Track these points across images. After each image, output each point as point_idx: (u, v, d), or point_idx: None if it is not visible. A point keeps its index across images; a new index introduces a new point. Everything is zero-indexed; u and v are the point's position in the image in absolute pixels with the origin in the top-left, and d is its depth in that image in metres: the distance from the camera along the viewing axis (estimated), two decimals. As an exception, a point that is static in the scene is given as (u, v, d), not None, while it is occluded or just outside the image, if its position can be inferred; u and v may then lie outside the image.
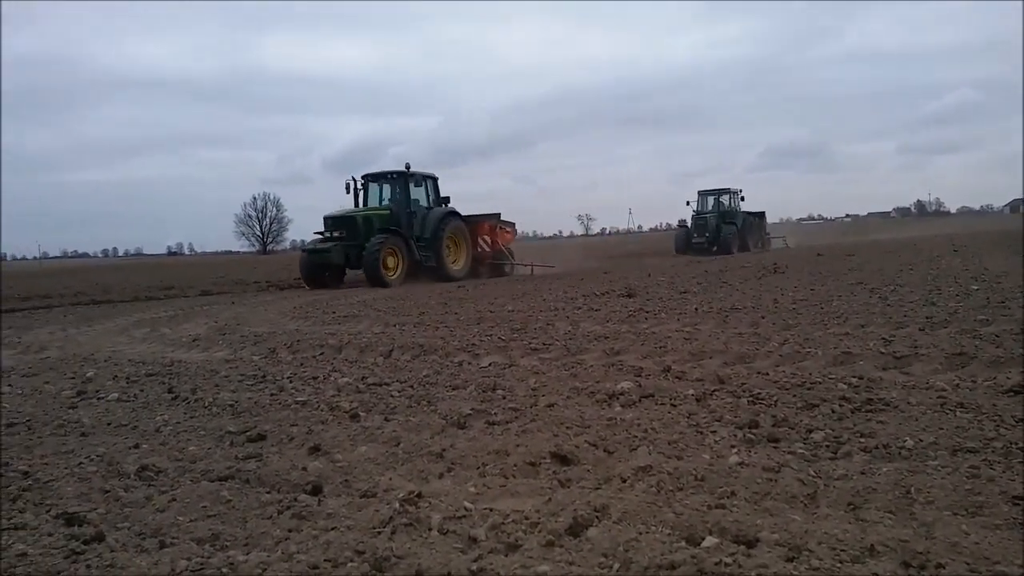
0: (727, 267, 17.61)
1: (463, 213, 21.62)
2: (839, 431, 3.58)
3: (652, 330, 7.23)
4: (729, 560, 2.23)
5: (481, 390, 4.90)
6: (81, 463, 3.66)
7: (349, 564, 2.36)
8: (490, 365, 5.94)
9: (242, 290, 19.75)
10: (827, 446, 3.40)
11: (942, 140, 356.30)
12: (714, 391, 4.49)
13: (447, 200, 21.29)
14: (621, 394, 4.52)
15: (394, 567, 2.34)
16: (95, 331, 10.44)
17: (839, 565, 2.21)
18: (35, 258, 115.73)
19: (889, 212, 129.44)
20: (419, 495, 2.94)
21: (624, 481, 3.02)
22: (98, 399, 5.40)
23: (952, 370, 4.84)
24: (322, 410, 4.63)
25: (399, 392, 5.02)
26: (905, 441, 3.34)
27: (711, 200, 33.17)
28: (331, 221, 19.75)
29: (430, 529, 2.65)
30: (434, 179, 21.36)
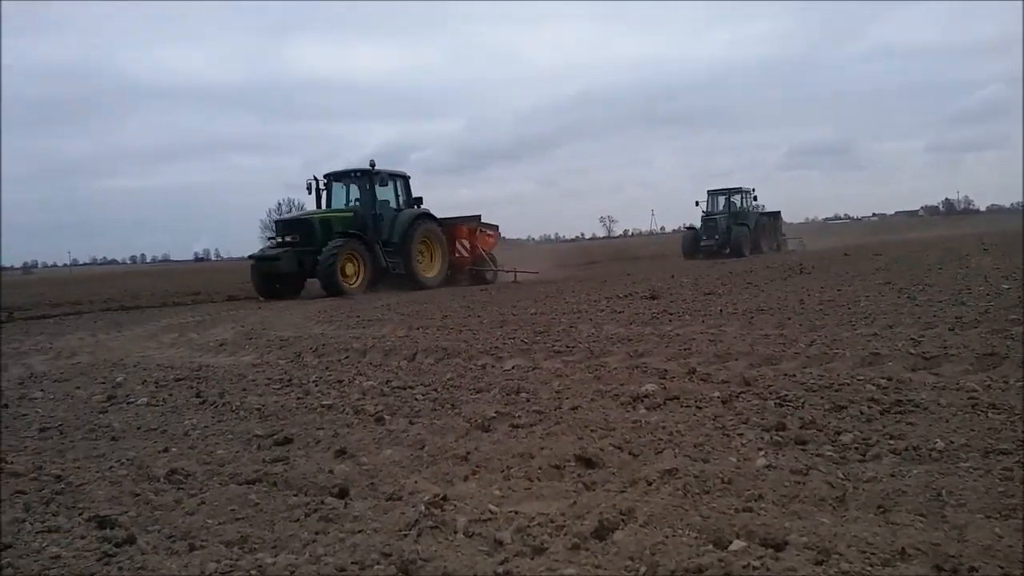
0: (752, 268, 17.48)
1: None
2: (868, 433, 3.54)
3: (676, 332, 7.19)
4: (757, 564, 2.21)
5: (505, 393, 4.90)
6: (112, 467, 3.72)
7: (376, 566, 2.37)
8: (513, 368, 5.94)
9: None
10: (856, 448, 3.35)
11: (972, 137, 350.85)
12: (740, 393, 4.46)
13: (420, 201, 19.63)
14: (646, 396, 4.50)
15: (420, 570, 2.34)
16: (124, 336, 10.60)
17: (869, 568, 2.19)
18: (65, 265, 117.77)
19: (917, 211, 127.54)
20: (444, 498, 2.94)
21: (650, 484, 3.01)
22: (128, 404, 5.48)
23: (983, 370, 4.76)
24: (347, 413, 4.66)
25: (423, 395, 5.04)
26: (936, 443, 3.29)
27: (722, 200, 31.66)
28: (283, 225, 18.35)
29: (455, 532, 2.65)
30: (405, 178, 19.69)
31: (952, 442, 3.29)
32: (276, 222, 18.92)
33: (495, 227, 21.87)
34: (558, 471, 3.28)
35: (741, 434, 3.65)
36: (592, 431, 3.83)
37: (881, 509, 2.64)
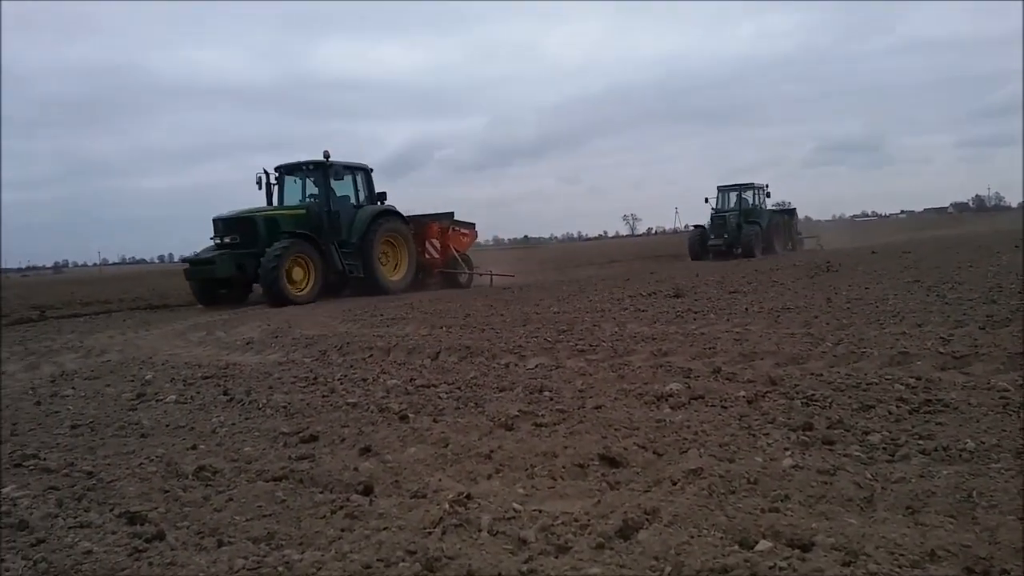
0: (778, 266, 17.31)
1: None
2: (896, 433, 3.49)
3: (701, 331, 7.14)
4: (784, 564, 2.19)
5: (528, 392, 4.91)
6: (142, 463, 3.78)
7: (401, 564, 2.39)
8: (537, 367, 5.94)
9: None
10: (884, 448, 3.31)
11: (1003, 132, 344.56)
12: (766, 393, 4.42)
13: (383, 197, 17.60)
14: (670, 396, 4.48)
15: (445, 567, 2.36)
16: (153, 335, 10.76)
17: (898, 570, 2.16)
18: (95, 264, 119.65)
19: (946, 208, 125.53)
20: (468, 496, 2.96)
21: (674, 484, 3.00)
22: (157, 401, 5.57)
23: (1015, 370, 4.67)
24: (372, 411, 4.69)
25: (447, 394, 5.06)
26: (966, 443, 3.24)
27: (732, 196, 29.42)
28: (222, 223, 15.84)
29: (480, 530, 2.66)
30: (366, 171, 17.64)
31: (983, 442, 3.24)
32: (214, 220, 15.94)
33: (471, 225, 20.02)
34: (582, 470, 3.28)
35: (767, 434, 3.62)
36: (616, 430, 3.82)
37: (910, 510, 2.61)
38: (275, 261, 14.52)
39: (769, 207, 30.17)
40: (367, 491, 3.16)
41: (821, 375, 4.85)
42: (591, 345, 6.68)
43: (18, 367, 8.15)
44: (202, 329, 10.96)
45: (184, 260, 17.44)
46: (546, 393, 4.84)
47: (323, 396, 5.29)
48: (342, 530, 2.73)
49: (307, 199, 16.82)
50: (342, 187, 17.03)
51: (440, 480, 3.25)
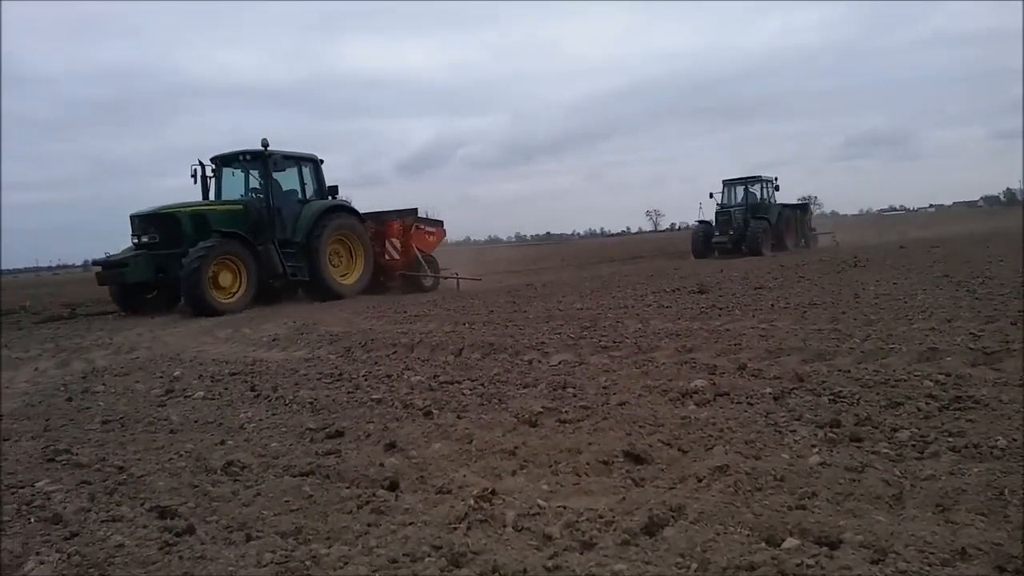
0: (804, 262, 17.14)
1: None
2: (926, 430, 3.45)
3: (726, 327, 7.10)
4: (811, 562, 2.17)
5: (552, 388, 4.91)
6: (171, 458, 3.84)
7: (427, 559, 2.40)
8: (560, 363, 5.94)
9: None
10: (913, 445, 3.27)
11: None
12: (793, 389, 4.38)
13: (334, 191, 15.98)
14: (695, 392, 4.46)
15: (471, 563, 2.37)
16: (180, 332, 10.90)
17: (928, 568, 2.13)
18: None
19: (976, 201, 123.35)
20: (493, 492, 2.96)
21: (700, 481, 2.98)
22: (185, 397, 5.64)
23: (1049, 366, 4.59)
24: (396, 407, 4.72)
25: (470, 390, 5.07)
26: (997, 440, 3.19)
27: (739, 191, 27.76)
28: (139, 220, 13.94)
29: (505, 526, 2.67)
30: (314, 162, 15.82)
31: (1014, 440, 3.18)
32: (131, 216, 13.97)
33: (438, 223, 18.22)
34: (606, 467, 3.27)
35: (794, 431, 3.59)
36: (640, 427, 3.81)
37: (940, 508, 2.57)
38: (196, 263, 12.69)
39: (783, 201, 28.48)
40: (393, 486, 3.18)
41: (849, 371, 4.79)
42: (615, 341, 6.66)
43: (50, 364, 8.30)
44: (228, 326, 11.09)
45: (95, 263, 14.87)
46: (570, 389, 4.83)
47: (348, 392, 5.33)
48: (368, 525, 2.75)
49: (249, 194, 15.16)
50: (288, 180, 15.47)
51: (464, 476, 3.26)
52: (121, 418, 4.98)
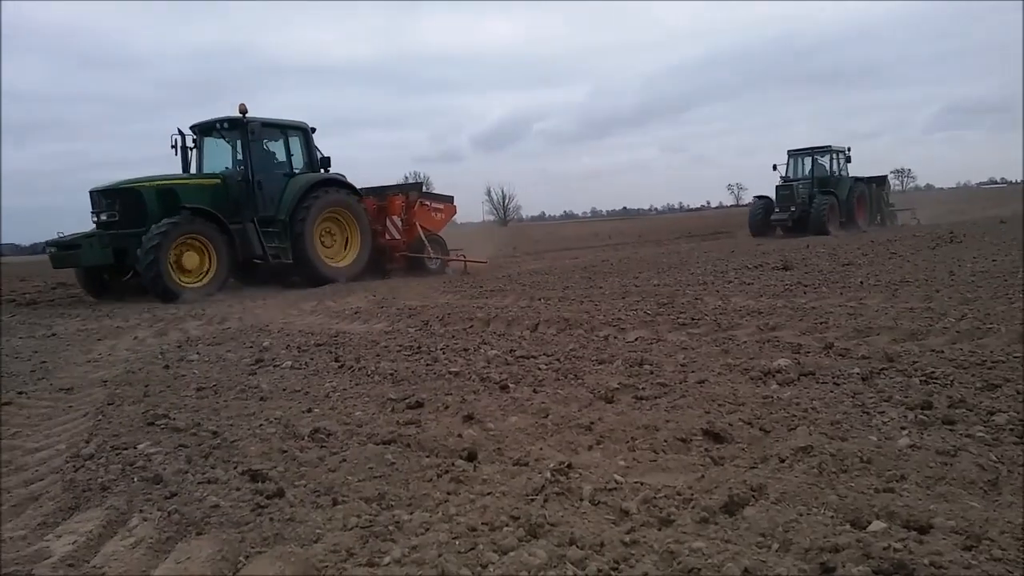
0: (897, 237, 16.43)
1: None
2: (1026, 415, 3.27)
3: (811, 305, 6.89)
4: (899, 546, 2.11)
5: (628, 365, 4.88)
6: (262, 424, 4.01)
7: (505, 528, 2.44)
8: (636, 340, 5.89)
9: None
10: (1011, 429, 3.11)
11: None
12: (882, 370, 4.23)
13: (327, 163, 14.33)
14: (778, 371, 4.36)
15: (548, 534, 2.39)
16: (268, 304, 11.31)
17: (1026, 557, 2.04)
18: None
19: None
20: (569, 466, 2.98)
21: (782, 461, 2.92)
22: (274, 367, 5.87)
23: None
24: (474, 380, 4.79)
25: (546, 365, 5.10)
26: (1107, 428, 3.01)
27: (806, 162, 24.99)
28: (98, 196, 12.58)
29: (581, 499, 2.68)
30: (303, 131, 14.25)
31: None
32: (91, 192, 12.66)
33: (447, 199, 16.51)
34: (684, 444, 3.24)
35: (882, 412, 3.47)
36: (720, 405, 3.75)
37: (1040, 496, 2.45)
38: (155, 242, 11.41)
39: (858, 175, 25.71)
40: (471, 457, 3.24)
41: (942, 352, 4.59)
42: (693, 319, 6.56)
43: (148, 333, 8.76)
44: (313, 299, 11.44)
45: (48, 244, 13.32)
46: (647, 366, 4.79)
47: (427, 365, 5.44)
48: (448, 493, 2.81)
49: (236, 167, 13.64)
50: (266, 150, 13.95)
51: (541, 449, 3.29)
52: (214, 385, 5.22)
